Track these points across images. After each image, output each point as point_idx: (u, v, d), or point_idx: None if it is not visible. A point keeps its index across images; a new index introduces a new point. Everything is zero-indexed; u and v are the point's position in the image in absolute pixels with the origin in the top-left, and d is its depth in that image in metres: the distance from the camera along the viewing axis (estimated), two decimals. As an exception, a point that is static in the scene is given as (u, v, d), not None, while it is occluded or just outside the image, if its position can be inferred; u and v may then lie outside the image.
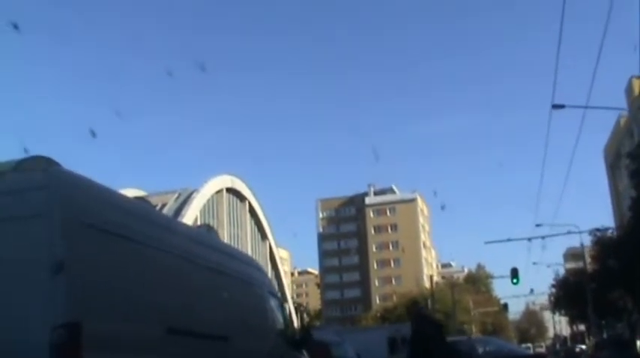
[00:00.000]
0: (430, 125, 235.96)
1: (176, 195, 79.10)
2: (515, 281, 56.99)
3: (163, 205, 76.03)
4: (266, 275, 13.15)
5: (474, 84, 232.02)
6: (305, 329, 13.38)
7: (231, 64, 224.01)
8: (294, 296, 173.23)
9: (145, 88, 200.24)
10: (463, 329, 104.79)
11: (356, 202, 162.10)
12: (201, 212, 79.59)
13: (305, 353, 13.74)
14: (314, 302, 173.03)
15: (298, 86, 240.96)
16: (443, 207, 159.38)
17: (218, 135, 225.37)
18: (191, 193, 78.79)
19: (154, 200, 79.39)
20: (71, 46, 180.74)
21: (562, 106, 32.78)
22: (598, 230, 49.28)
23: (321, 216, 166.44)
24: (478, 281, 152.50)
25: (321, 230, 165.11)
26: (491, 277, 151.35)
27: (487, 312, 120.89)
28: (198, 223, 77.11)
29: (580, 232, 50.78)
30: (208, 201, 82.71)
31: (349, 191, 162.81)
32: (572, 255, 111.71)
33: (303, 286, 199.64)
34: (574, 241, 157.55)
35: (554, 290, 74.74)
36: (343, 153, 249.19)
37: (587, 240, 55.01)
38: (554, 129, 77.61)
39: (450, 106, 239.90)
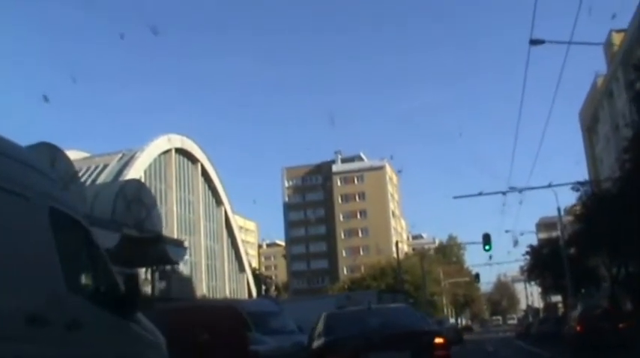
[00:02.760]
0: (400, 93, 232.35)
1: (120, 155, 73.33)
2: (487, 248, 53.46)
3: (105, 166, 70.84)
4: (55, 182, 7.60)
5: (446, 49, 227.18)
6: (131, 278, 7.53)
7: (185, 25, 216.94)
8: (263, 268, 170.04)
9: (98, 50, 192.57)
10: (434, 301, 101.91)
11: (323, 170, 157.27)
12: (145, 173, 73.45)
13: (143, 320, 8.54)
14: (283, 274, 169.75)
15: (260, 50, 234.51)
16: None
17: (173, 100, 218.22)
18: (135, 153, 73.23)
19: (96, 161, 74.90)
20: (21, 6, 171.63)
21: (541, 42, 28.65)
22: (580, 183, 44.74)
23: (286, 184, 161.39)
24: (449, 252, 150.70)
25: (286, 199, 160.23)
26: (463, 247, 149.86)
27: (458, 283, 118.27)
28: (143, 185, 72.05)
29: (561, 185, 45.89)
30: (155, 161, 76.56)
31: (316, 159, 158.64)
32: (545, 224, 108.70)
33: (272, 258, 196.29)
34: (548, 211, 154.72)
35: (528, 257, 70.54)
36: (309, 120, 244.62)
37: (563, 204, 51.28)
38: (528, 93, 73.40)
39: (422, 73, 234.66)
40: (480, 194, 39.32)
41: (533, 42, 28.29)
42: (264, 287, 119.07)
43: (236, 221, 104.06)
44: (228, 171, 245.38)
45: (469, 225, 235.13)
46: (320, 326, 15.27)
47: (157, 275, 44.02)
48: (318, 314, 28.18)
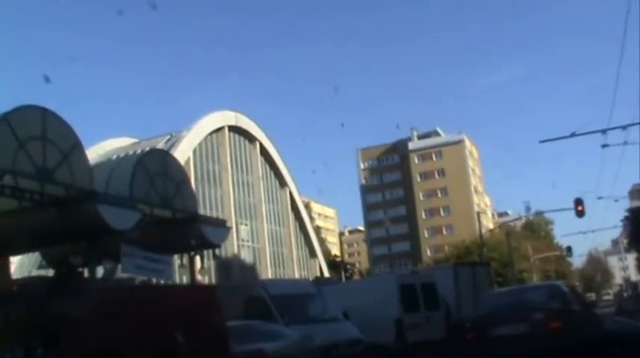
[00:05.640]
0: (475, 68, 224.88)
1: (167, 137, 68.51)
2: (579, 214, 47.94)
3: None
4: None
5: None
6: None
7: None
8: (346, 256, 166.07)
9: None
10: (523, 278, 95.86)
11: (399, 149, 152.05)
12: (195, 153, 68.52)
13: None
14: (366, 260, 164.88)
15: (326, 32, 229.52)
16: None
17: (235, 88, 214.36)
18: (182, 133, 68.49)
19: (143, 145, 70.05)
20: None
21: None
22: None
23: (362, 166, 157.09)
24: (537, 228, 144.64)
25: (363, 182, 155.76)
26: (551, 222, 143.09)
27: (548, 258, 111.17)
28: (192, 166, 66.79)
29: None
30: (205, 140, 72.11)
31: (391, 138, 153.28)
32: (639, 191, 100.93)
33: (354, 245, 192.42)
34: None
35: (625, 222, 63.70)
36: (381, 98, 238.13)
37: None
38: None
39: (497, 47, 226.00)
40: (573, 135, 32.09)
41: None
42: (344, 274, 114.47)
43: (309, 205, 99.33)
44: (300, 159, 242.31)
45: (559, 197, 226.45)
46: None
47: (206, 261, 38.44)
48: (378, 295, 23.51)
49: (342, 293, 24.75)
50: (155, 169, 31.83)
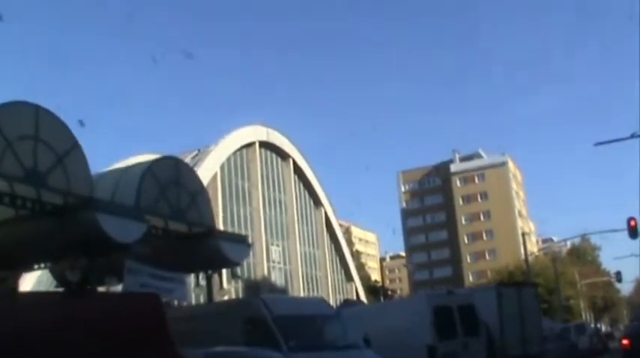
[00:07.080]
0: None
1: (194, 152, 66.37)
2: (633, 234, 43.68)
3: (179, 165, 64.51)
4: None
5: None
6: None
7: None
8: (387, 282, 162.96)
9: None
10: (569, 306, 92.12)
11: (440, 171, 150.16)
12: (223, 168, 66.46)
13: None
14: (407, 286, 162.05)
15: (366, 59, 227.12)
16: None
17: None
18: (210, 148, 66.57)
19: (169, 161, 68.27)
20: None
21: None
22: None
23: (403, 189, 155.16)
24: (583, 254, 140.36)
25: (404, 205, 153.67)
26: (598, 248, 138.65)
27: (595, 285, 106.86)
28: (219, 182, 64.47)
29: None
30: (234, 155, 70.15)
31: (432, 160, 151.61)
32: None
33: (396, 271, 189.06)
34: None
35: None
36: (422, 121, 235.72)
37: None
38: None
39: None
40: (633, 136, 28.60)
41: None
42: (383, 300, 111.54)
43: (349, 229, 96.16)
44: (339, 184, 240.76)
45: (603, 223, 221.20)
46: None
47: (224, 280, 35.50)
48: (408, 318, 21.30)
49: (368, 316, 22.15)
50: (166, 178, 29.11)
